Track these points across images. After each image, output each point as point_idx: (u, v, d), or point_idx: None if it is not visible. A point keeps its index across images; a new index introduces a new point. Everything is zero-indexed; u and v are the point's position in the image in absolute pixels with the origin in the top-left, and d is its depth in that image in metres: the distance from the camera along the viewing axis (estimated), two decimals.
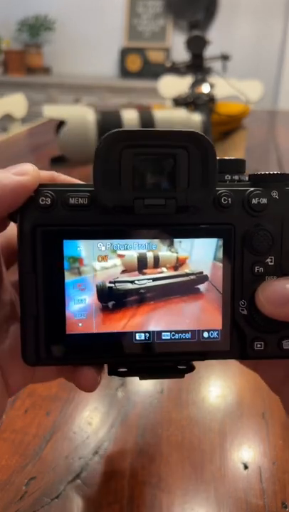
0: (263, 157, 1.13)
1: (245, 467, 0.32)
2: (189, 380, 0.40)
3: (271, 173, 0.24)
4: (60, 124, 0.87)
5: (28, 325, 0.24)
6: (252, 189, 0.24)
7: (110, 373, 0.26)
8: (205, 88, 1.11)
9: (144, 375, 0.26)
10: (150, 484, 0.31)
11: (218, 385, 0.40)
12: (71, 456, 0.33)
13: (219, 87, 1.25)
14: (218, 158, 0.24)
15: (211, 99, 1.08)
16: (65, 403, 0.37)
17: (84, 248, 0.24)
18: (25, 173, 0.22)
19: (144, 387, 0.39)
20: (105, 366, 0.26)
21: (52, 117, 0.98)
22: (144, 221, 0.24)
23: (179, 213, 0.23)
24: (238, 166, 0.26)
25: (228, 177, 0.25)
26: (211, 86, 1.12)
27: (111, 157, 0.22)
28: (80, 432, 0.35)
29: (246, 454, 0.33)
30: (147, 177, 0.23)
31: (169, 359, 0.26)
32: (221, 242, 0.24)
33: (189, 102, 1.07)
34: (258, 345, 0.25)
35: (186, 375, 0.26)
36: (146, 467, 0.32)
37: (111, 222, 0.24)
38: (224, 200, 0.24)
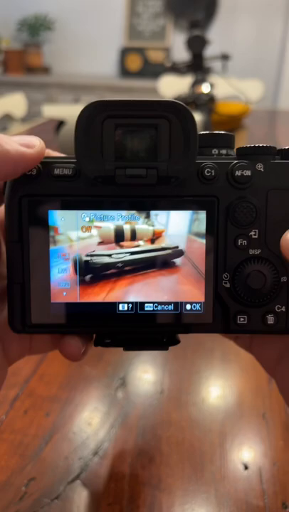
0: None
1: (246, 468, 0.32)
2: (189, 380, 0.40)
3: (257, 145, 0.24)
4: (60, 123, 0.87)
5: (14, 293, 0.24)
6: (236, 161, 0.24)
7: (96, 344, 0.26)
8: (205, 88, 1.11)
9: (128, 346, 0.26)
10: (150, 485, 0.31)
11: (218, 386, 0.40)
12: (71, 457, 0.33)
13: (219, 87, 1.25)
14: (206, 132, 0.24)
15: (211, 99, 1.08)
16: (64, 404, 0.37)
17: (68, 218, 0.24)
18: (31, 146, 0.22)
19: (144, 388, 0.39)
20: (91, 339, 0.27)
21: (52, 117, 0.98)
22: (126, 192, 0.24)
23: (161, 185, 0.24)
24: (226, 140, 0.26)
25: (215, 151, 0.25)
26: (211, 86, 1.12)
27: (93, 128, 0.23)
28: (79, 432, 0.35)
29: (246, 454, 0.33)
30: (128, 147, 0.23)
31: (152, 330, 0.26)
32: (196, 215, 0.24)
33: (189, 101, 1.07)
34: (241, 319, 0.25)
35: (170, 347, 0.26)
36: (146, 468, 0.32)
37: (94, 193, 0.24)
38: (208, 172, 0.24)
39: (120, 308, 0.25)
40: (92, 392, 0.39)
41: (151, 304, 0.25)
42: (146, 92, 2.61)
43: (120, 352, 0.42)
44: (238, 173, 0.24)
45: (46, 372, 0.41)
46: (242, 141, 1.27)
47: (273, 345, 0.28)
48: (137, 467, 0.32)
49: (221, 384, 0.40)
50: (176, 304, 0.25)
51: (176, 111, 0.23)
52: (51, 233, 0.24)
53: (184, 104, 0.23)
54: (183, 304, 0.25)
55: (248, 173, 0.24)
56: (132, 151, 0.23)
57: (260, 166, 0.24)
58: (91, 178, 0.23)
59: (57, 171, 0.23)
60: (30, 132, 1.36)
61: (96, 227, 0.24)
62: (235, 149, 0.25)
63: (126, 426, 0.35)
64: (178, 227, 0.25)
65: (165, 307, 0.25)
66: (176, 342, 0.26)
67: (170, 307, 0.25)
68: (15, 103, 1.62)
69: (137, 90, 2.73)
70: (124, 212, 0.24)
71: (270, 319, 0.25)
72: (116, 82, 2.85)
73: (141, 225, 0.25)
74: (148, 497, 0.30)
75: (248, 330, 0.25)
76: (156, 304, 0.25)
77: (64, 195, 0.24)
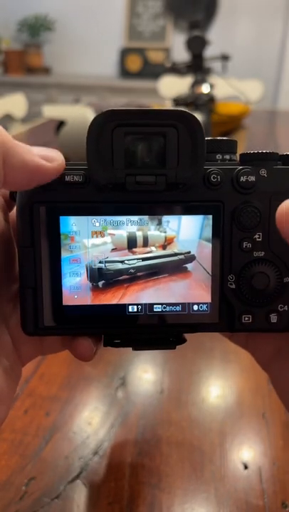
0: None
1: (246, 467, 0.32)
2: (189, 380, 0.40)
3: (260, 152, 0.25)
4: (60, 124, 0.87)
5: (26, 297, 0.25)
6: (241, 167, 0.25)
7: (105, 344, 0.27)
8: (205, 88, 1.11)
9: (137, 346, 0.27)
10: (150, 484, 0.31)
11: (218, 385, 0.40)
12: (71, 457, 0.33)
13: (219, 87, 1.25)
14: (210, 138, 0.25)
15: (211, 99, 1.08)
16: (64, 403, 0.37)
17: (79, 224, 0.25)
18: (51, 160, 0.22)
19: (144, 388, 0.39)
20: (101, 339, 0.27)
21: (52, 117, 0.98)
22: (136, 198, 0.25)
23: (169, 190, 0.24)
24: (229, 146, 0.26)
25: (219, 156, 0.26)
26: (211, 86, 1.12)
27: (103, 136, 0.23)
28: (79, 432, 0.35)
29: (246, 454, 0.33)
30: (138, 155, 0.24)
31: (161, 330, 0.27)
32: (207, 221, 0.25)
33: (189, 102, 1.07)
34: (246, 318, 0.26)
35: (178, 346, 0.27)
36: (146, 467, 0.32)
37: (104, 199, 0.25)
38: (213, 178, 0.25)
39: (130, 309, 0.26)
40: (92, 391, 0.39)
41: (160, 305, 0.26)
42: (146, 92, 2.61)
43: (120, 352, 0.43)
44: (242, 178, 0.25)
45: (46, 372, 0.41)
46: (242, 141, 1.27)
47: (269, 341, 0.28)
48: (137, 466, 0.32)
49: (220, 384, 0.40)
50: (183, 304, 0.26)
51: (183, 120, 0.23)
52: (63, 239, 0.25)
53: (191, 113, 0.23)
54: (190, 305, 0.26)
55: (252, 178, 0.25)
56: (141, 158, 0.24)
57: (263, 172, 0.25)
58: (101, 185, 0.24)
59: (68, 178, 0.24)
60: (31, 132, 1.36)
61: (110, 234, 0.25)
62: (237, 155, 0.26)
63: (126, 425, 0.36)
64: (189, 232, 0.25)
65: (173, 308, 0.26)
66: (183, 341, 0.27)
67: (178, 308, 0.26)
68: (15, 103, 1.62)
69: (137, 91, 2.73)
70: (133, 218, 0.25)
71: (273, 318, 0.26)
72: (116, 83, 2.85)
73: (153, 232, 0.25)
74: (148, 496, 0.30)
75: (252, 328, 0.26)
76: (164, 305, 0.26)
77: (75, 201, 0.24)
